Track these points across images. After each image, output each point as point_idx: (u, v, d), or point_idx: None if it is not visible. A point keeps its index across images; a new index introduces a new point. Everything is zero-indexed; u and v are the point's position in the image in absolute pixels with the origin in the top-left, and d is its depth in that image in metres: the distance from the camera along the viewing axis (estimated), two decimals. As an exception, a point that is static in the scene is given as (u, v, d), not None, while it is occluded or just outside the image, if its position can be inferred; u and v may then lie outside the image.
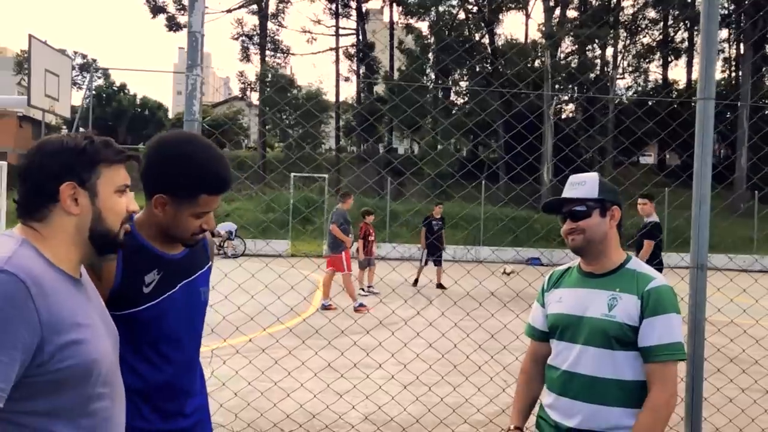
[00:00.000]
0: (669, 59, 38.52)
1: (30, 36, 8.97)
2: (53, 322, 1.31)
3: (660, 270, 7.34)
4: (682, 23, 36.68)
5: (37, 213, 1.41)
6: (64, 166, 1.41)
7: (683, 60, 38.62)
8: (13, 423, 1.29)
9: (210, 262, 2.02)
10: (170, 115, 50.05)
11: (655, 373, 1.96)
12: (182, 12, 35.65)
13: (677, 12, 35.19)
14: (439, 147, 30.63)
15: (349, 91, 62.51)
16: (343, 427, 4.68)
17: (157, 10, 36.85)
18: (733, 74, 39.33)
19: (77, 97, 40.22)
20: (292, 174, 22.56)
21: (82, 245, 1.45)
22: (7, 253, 1.32)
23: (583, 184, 2.10)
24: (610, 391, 2.00)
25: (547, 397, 2.17)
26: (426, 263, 13.48)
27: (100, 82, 44.49)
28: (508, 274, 14.55)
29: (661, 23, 37.87)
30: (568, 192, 2.11)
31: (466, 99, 35.42)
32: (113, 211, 1.47)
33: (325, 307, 10.01)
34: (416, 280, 13.45)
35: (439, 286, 13.23)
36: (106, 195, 1.46)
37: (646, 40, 37.90)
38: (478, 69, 33.48)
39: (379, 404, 4.85)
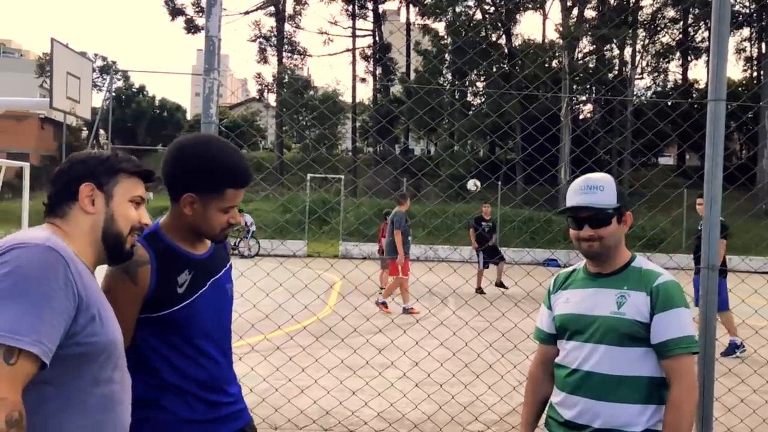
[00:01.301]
0: (689, 59, 38.04)
1: (52, 39, 9.13)
2: (84, 296, 1.47)
3: (725, 273, 6.22)
4: (702, 23, 36.18)
5: (60, 210, 1.60)
6: (88, 170, 1.61)
7: (703, 59, 38.10)
8: (32, 393, 1.38)
9: (230, 260, 2.14)
10: (188, 116, 50.38)
11: (672, 369, 1.98)
12: (200, 14, 35.97)
13: (697, 11, 34.70)
14: (455, 148, 30.54)
15: (366, 93, 62.66)
16: (356, 423, 4.74)
17: (175, 12, 37.24)
18: (755, 74, 38.76)
19: (97, 99, 40.76)
20: (309, 175, 22.68)
21: (95, 245, 1.61)
22: (47, 235, 1.51)
23: (601, 189, 2.07)
24: (621, 388, 2.01)
25: (556, 396, 2.18)
26: (486, 266, 13.04)
27: (120, 84, 45.02)
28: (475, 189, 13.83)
29: (681, 23, 37.42)
30: (586, 196, 2.08)
31: (483, 99, 35.30)
32: (124, 216, 1.63)
33: (407, 311, 10.05)
34: (479, 288, 12.67)
35: (499, 284, 12.80)
36: (120, 201, 1.63)
37: (665, 39, 37.47)
38: (495, 69, 33.35)
39: (392, 402, 4.91)
